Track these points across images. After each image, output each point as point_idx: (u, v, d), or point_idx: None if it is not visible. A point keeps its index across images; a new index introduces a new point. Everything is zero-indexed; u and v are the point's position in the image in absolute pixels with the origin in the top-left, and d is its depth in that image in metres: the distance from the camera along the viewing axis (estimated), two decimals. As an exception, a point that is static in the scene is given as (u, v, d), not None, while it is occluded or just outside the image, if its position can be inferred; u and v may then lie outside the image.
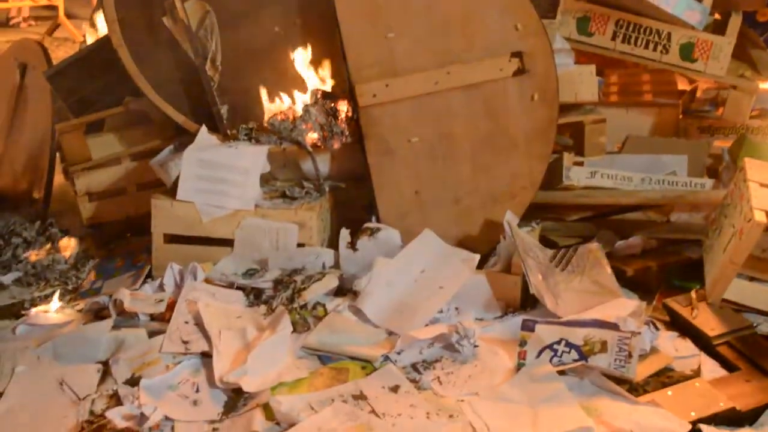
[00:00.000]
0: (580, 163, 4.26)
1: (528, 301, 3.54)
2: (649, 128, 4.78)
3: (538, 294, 3.43)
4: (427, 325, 3.41)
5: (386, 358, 3.24)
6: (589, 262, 3.71)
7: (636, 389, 3.06)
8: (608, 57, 4.71)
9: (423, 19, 3.83)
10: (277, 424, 2.88)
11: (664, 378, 3.14)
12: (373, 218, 3.91)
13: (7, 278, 4.13)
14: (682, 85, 5.20)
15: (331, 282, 3.62)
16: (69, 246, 4.40)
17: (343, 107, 4.06)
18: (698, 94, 5.08)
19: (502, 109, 3.93)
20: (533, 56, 3.91)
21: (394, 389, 3.06)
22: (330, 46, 4.08)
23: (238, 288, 3.66)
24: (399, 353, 3.26)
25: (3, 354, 3.39)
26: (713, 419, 2.87)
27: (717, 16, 4.75)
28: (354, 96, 3.87)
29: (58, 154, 4.72)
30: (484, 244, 3.86)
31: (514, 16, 3.87)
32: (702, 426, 2.81)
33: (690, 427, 2.82)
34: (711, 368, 3.21)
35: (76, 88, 4.63)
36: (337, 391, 3.06)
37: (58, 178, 4.86)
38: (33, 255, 4.32)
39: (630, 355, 3.09)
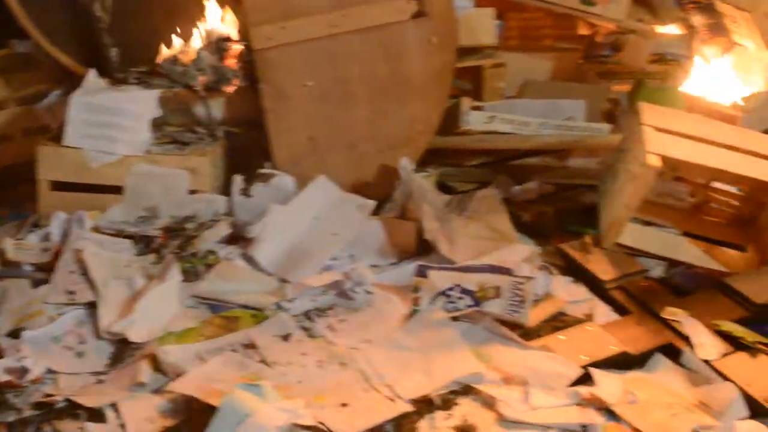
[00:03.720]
0: (479, 108, 4.22)
1: (423, 248, 3.49)
2: (549, 73, 4.76)
3: (433, 240, 3.40)
4: (320, 272, 3.36)
5: (278, 306, 3.17)
6: (486, 208, 3.70)
7: (529, 334, 3.04)
8: (509, 0, 4.66)
9: (321, -42, 3.74)
10: (165, 374, 2.82)
11: (557, 322, 3.14)
12: (268, 164, 3.83)
13: None
14: (583, 30, 5.18)
15: (223, 229, 3.54)
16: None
17: (238, 50, 3.97)
18: (598, 39, 5.07)
19: (400, 52, 3.86)
20: (432, -2, 3.85)
21: (286, 338, 3.00)
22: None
23: (128, 236, 3.56)
24: (291, 301, 3.20)
25: None
26: (604, 363, 2.87)
27: (616, -41, 4.73)
28: (249, 38, 3.77)
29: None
30: (381, 190, 3.80)
31: (413, -44, 3.80)
32: (592, 370, 2.81)
33: (581, 371, 2.82)
34: (604, 312, 3.21)
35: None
36: (227, 340, 2.99)
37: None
38: None
39: (523, 301, 3.08)
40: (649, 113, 3.64)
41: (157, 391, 2.75)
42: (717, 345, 2.95)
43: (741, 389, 2.73)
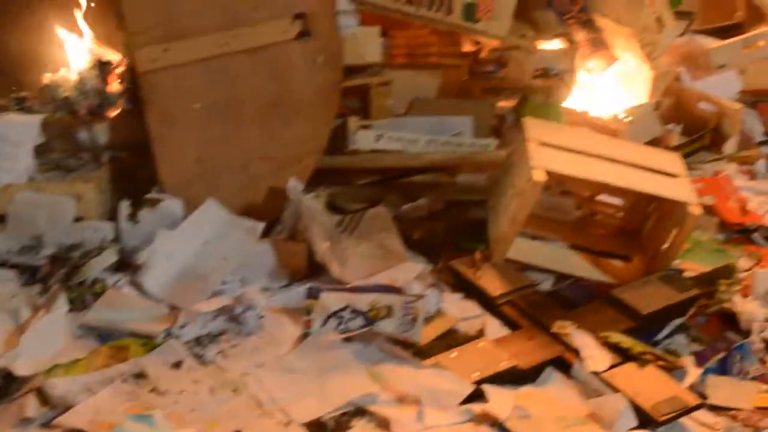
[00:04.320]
0: (367, 127, 4.24)
1: (314, 269, 3.49)
2: (436, 90, 4.78)
3: (324, 261, 3.40)
4: (211, 297, 3.33)
5: (168, 333, 3.12)
6: (376, 227, 3.71)
7: (422, 352, 3.05)
8: (393, 18, 4.67)
9: (206, -22, 3.71)
10: (53, 408, 2.75)
11: (450, 340, 3.16)
12: (155, 189, 3.78)
13: None
14: (468, 46, 5.22)
15: (110, 257, 3.48)
16: None
17: (122, 72, 3.91)
18: (482, 55, 5.11)
19: (287, 72, 3.86)
20: (317, 18, 3.84)
21: (177, 365, 2.97)
22: (109, 7, 3.90)
23: (12, 267, 3.48)
24: (182, 328, 3.14)
25: None
26: (496, 378, 2.91)
27: (499, -24, 4.79)
28: (132, 61, 3.72)
29: None
30: (271, 211, 3.77)
31: (297, -24, 3.80)
32: (484, 386, 2.84)
33: (473, 387, 2.85)
34: (495, 328, 3.25)
35: None
36: (117, 370, 2.93)
37: None
38: None
39: (415, 319, 3.09)
40: (534, 128, 3.69)
41: (46, 425, 2.68)
42: (606, 357, 3.01)
43: (630, 399, 2.79)
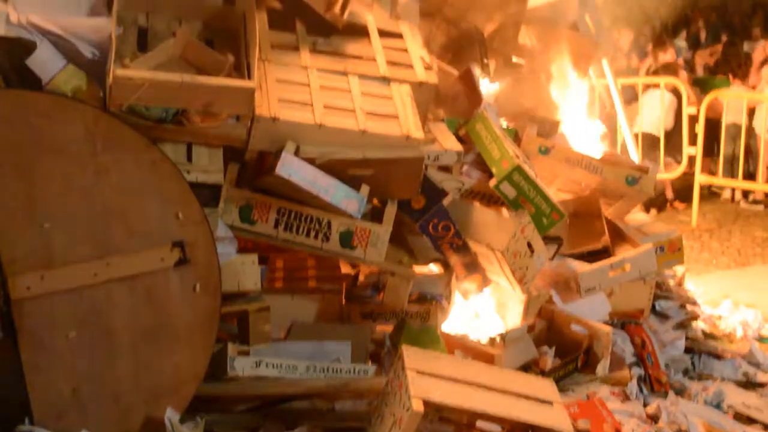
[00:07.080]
0: (246, 353, 4.22)
1: (191, 503, 3.41)
2: (314, 314, 4.81)
3: (201, 496, 3.33)
4: None
5: None
6: (256, 455, 3.66)
7: None
8: (274, 244, 4.74)
9: (81, 208, 3.72)
10: None
11: None
12: (27, 419, 3.67)
13: None
14: (346, 269, 5.31)
15: (-24, 491, 3.35)
16: None
17: (-5, 300, 3.85)
18: (361, 278, 5.21)
19: (164, 300, 3.86)
20: (195, 246, 3.88)
21: None
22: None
23: None
24: None
25: None
26: None
27: (375, 203, 4.92)
28: (5, 288, 3.67)
29: None
30: (147, 442, 3.71)
31: (175, 204, 3.86)
32: None
33: None
34: None
35: None
36: None
37: None
38: None
39: None
40: (412, 357, 3.74)
41: None
42: None
43: None
